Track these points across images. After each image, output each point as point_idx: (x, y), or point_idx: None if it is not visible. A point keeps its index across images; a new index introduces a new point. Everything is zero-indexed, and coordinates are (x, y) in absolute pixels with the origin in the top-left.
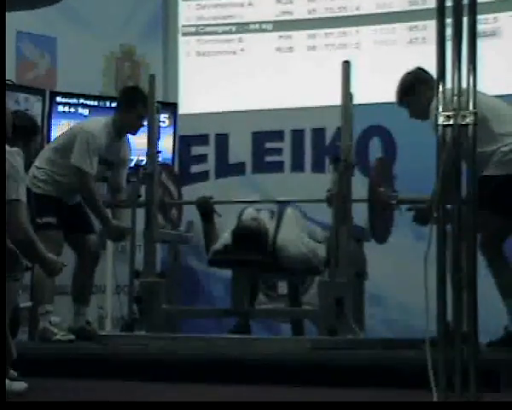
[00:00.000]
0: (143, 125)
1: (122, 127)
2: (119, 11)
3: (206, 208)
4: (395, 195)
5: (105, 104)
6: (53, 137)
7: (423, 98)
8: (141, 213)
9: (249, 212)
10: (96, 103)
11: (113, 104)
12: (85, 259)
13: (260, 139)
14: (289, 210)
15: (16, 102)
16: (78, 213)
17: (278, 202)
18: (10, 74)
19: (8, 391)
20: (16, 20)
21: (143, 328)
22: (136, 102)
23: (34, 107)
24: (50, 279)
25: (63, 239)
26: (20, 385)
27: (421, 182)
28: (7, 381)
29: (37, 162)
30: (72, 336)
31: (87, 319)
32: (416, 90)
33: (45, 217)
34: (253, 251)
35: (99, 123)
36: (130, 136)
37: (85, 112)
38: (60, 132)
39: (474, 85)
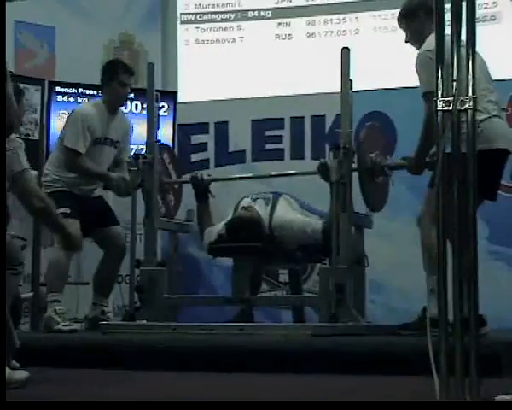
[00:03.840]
0: (129, 93)
1: (110, 101)
2: (118, 0)
3: (201, 186)
4: (386, 160)
5: None
6: (52, 127)
7: (422, 27)
8: (141, 202)
9: (245, 201)
10: (94, 93)
11: None
12: (111, 252)
13: (260, 127)
14: (284, 196)
15: None
16: (99, 206)
17: (271, 176)
18: (9, 64)
19: (9, 380)
20: (15, 10)
21: (145, 317)
22: (115, 71)
23: (33, 97)
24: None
25: (81, 230)
26: (21, 374)
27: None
28: (8, 370)
29: (45, 168)
30: (74, 327)
31: (104, 309)
32: (417, 15)
33: (58, 208)
34: (247, 241)
35: (89, 104)
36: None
37: (84, 101)
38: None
39: (473, 71)
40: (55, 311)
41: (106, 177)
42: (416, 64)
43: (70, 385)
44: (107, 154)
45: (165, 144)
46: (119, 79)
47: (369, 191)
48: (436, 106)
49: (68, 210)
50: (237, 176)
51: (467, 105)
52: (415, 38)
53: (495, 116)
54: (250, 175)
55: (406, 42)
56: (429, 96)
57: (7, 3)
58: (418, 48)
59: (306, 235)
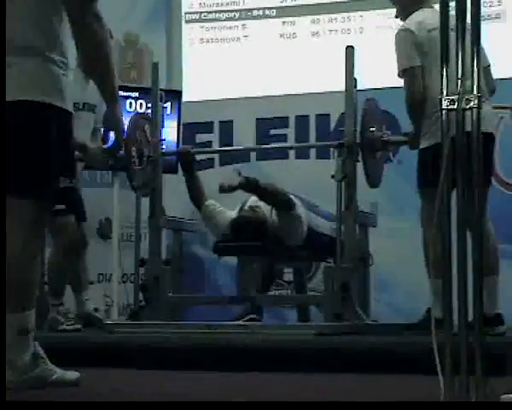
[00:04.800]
0: None
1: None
2: (122, 0)
3: (187, 158)
4: (386, 134)
5: None
6: None
7: (407, 1)
8: (145, 201)
9: (251, 200)
10: None
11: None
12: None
13: (265, 126)
14: (291, 196)
15: None
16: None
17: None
18: None
19: (62, 380)
20: None
21: (149, 316)
22: None
23: None
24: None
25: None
26: (73, 375)
27: None
28: (59, 371)
29: None
30: (78, 326)
31: (94, 306)
32: None
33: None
34: (252, 240)
35: None
36: None
37: None
38: None
39: (478, 69)
40: (57, 311)
41: (83, 147)
42: (394, 43)
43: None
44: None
45: (147, 115)
46: None
47: (369, 166)
48: (441, 104)
49: (63, 206)
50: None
51: (471, 103)
52: (401, 13)
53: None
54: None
55: (396, 17)
56: (408, 73)
57: None
58: (403, 20)
59: (311, 228)
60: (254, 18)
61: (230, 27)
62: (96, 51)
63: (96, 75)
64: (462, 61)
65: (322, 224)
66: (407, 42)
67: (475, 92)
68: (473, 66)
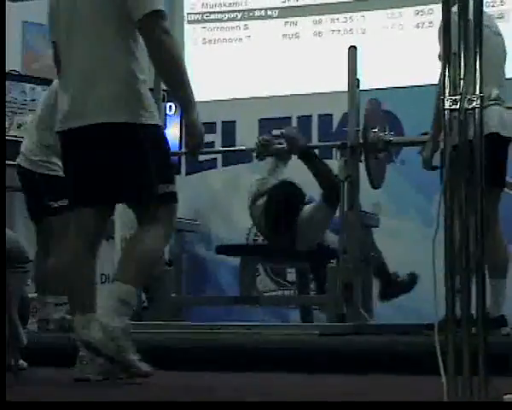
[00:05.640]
0: None
1: None
2: None
3: (295, 142)
4: (388, 135)
5: None
6: None
7: None
8: None
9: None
10: None
11: None
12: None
13: (267, 126)
14: None
15: (23, 92)
16: None
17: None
18: (16, 64)
19: (137, 366)
20: (22, 11)
21: (152, 317)
22: None
23: (41, 97)
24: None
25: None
26: (147, 367)
27: None
28: (136, 361)
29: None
30: None
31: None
32: None
33: (60, 200)
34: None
35: None
36: None
37: None
38: None
39: (481, 69)
40: (65, 311)
41: None
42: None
43: (71, 385)
44: None
45: None
46: None
47: (371, 167)
48: (443, 105)
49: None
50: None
51: (474, 104)
52: None
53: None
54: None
55: None
56: None
57: (15, 4)
58: None
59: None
60: (256, 18)
61: (233, 28)
62: (170, 64)
63: (171, 86)
64: (465, 62)
65: (332, 238)
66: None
67: (478, 92)
68: (475, 66)
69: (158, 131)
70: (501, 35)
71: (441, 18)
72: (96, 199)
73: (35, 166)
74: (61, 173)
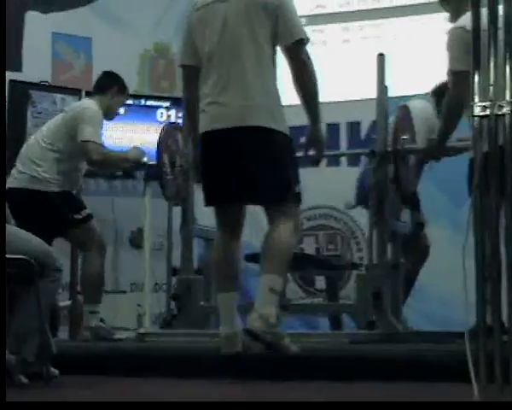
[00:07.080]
0: (118, 113)
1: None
2: (153, 9)
3: None
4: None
5: (140, 103)
6: None
7: (457, 5)
8: (177, 210)
9: None
10: (131, 102)
11: (148, 102)
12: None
13: (295, 134)
14: None
15: (53, 102)
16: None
17: None
18: (46, 75)
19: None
20: (52, 22)
21: (182, 325)
22: (110, 85)
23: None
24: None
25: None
26: (296, 348)
27: (458, 173)
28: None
29: (38, 162)
30: (119, 335)
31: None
32: None
33: (83, 210)
34: None
35: (93, 103)
36: None
37: (120, 111)
38: None
39: (511, 75)
40: (100, 320)
41: (125, 158)
42: (446, 42)
43: (109, 392)
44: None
45: (178, 124)
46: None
47: (401, 175)
48: (473, 111)
49: (90, 211)
50: None
51: (504, 110)
52: (453, 15)
53: None
54: None
55: (450, 22)
56: (455, 76)
57: (45, 15)
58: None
59: None
60: None
61: None
62: (310, 84)
63: (307, 101)
64: (495, 68)
65: None
66: (460, 42)
67: (508, 98)
68: (505, 72)
69: (291, 139)
70: None
71: (471, 24)
72: (247, 197)
73: (44, 185)
74: (67, 188)
